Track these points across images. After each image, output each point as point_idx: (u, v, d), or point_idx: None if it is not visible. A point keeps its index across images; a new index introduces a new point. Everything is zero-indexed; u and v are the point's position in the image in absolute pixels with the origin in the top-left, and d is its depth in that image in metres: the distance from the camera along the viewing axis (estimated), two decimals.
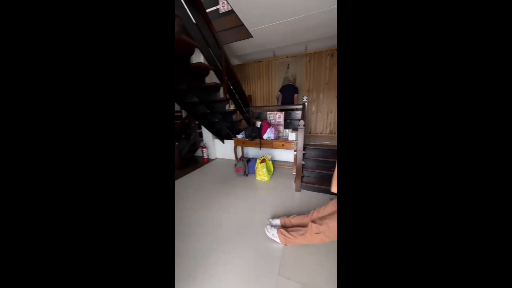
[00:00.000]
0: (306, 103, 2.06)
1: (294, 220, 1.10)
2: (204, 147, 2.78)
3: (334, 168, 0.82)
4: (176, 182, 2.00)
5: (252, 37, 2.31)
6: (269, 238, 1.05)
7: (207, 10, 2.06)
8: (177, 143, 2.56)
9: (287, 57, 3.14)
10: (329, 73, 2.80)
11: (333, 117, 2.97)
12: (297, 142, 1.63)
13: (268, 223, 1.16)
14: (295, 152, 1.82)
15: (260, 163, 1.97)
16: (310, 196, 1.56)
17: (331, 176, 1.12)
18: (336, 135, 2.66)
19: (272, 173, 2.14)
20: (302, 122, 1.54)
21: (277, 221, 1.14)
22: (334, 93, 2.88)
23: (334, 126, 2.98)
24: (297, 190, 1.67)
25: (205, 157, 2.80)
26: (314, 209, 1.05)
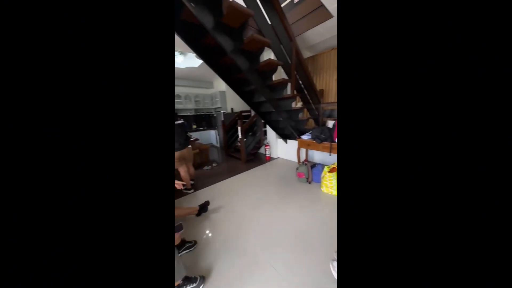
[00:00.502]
0: None
1: None
2: (267, 145, 2.84)
3: None
4: (239, 176, 2.20)
5: (332, 16, 1.91)
6: (335, 278, 0.78)
7: (282, 5, 1.98)
8: (245, 139, 2.84)
9: None
10: None
11: None
12: None
13: (334, 258, 0.88)
14: None
15: (329, 172, 1.60)
16: None
17: None
18: None
19: None
20: None
21: None
22: None
23: None
24: None
25: (268, 155, 2.85)
26: None
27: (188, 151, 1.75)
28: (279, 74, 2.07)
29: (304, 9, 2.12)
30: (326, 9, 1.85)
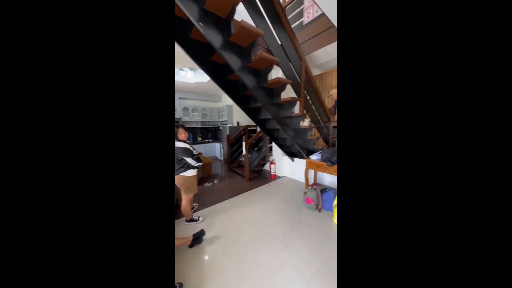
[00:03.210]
0: None
1: None
2: (272, 162, 2.69)
3: None
4: (241, 196, 2.03)
5: None
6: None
7: (292, 25, 2.01)
8: (249, 155, 2.72)
9: None
10: None
11: None
12: None
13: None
14: None
15: None
16: None
17: None
18: None
19: None
20: None
21: None
22: None
23: None
24: None
25: (273, 173, 2.68)
26: None
27: (178, 179, 1.27)
28: (287, 93, 2.02)
29: (314, 30, 2.13)
30: (336, 30, 1.83)
